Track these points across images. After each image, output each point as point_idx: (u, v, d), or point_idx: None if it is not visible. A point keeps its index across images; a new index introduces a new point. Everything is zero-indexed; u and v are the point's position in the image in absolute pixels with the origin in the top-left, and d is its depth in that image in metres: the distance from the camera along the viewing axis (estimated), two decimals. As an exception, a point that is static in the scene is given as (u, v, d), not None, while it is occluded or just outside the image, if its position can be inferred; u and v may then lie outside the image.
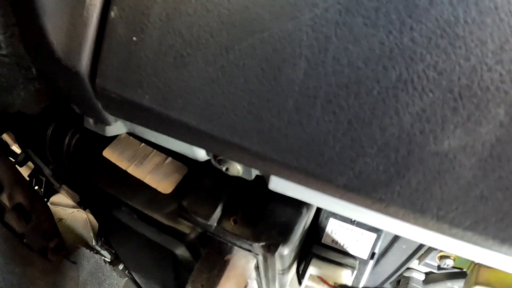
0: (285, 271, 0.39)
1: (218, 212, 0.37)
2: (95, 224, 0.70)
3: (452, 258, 0.45)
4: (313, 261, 0.39)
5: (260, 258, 0.36)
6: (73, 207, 0.72)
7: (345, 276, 0.38)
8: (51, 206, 0.66)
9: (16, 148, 0.67)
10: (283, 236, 0.34)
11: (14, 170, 0.56)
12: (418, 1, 0.23)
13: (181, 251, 0.44)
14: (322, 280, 0.38)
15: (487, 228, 0.23)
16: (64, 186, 0.66)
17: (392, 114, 0.23)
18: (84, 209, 0.70)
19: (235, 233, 0.35)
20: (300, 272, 0.42)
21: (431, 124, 0.23)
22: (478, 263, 0.42)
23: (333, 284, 0.37)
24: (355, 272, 0.39)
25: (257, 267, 0.38)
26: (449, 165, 0.23)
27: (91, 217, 0.71)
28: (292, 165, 0.24)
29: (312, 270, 0.39)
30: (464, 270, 0.47)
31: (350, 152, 0.24)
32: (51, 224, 0.60)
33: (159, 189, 0.42)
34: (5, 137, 0.67)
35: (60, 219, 0.72)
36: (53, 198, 0.73)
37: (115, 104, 0.32)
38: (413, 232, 0.29)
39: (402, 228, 0.28)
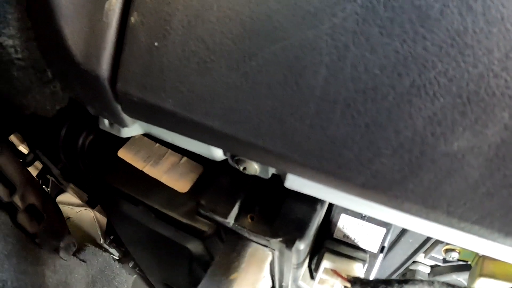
0: (299, 265, 0.41)
1: (235, 209, 0.39)
2: (102, 223, 0.72)
3: (457, 251, 0.48)
4: (326, 255, 0.41)
5: (277, 253, 0.39)
6: (80, 206, 0.74)
7: (357, 269, 0.40)
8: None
9: (22, 149, 0.69)
10: (300, 232, 0.36)
11: (25, 171, 0.57)
12: (430, 12, 0.25)
13: (195, 247, 0.46)
14: (335, 273, 0.41)
15: (493, 222, 0.25)
16: (71, 185, 0.67)
17: (406, 118, 0.25)
18: (92, 208, 0.72)
19: (253, 230, 0.37)
20: (313, 266, 0.45)
21: (442, 127, 0.25)
22: (482, 256, 0.44)
23: (346, 277, 0.40)
24: (366, 265, 0.42)
25: (271, 262, 0.40)
26: (458, 164, 0.25)
27: (98, 215, 0.73)
28: (314, 166, 0.26)
29: (325, 263, 0.41)
30: (469, 262, 0.50)
31: (368, 153, 0.26)
32: (61, 223, 0.61)
33: (176, 188, 0.44)
34: (12, 137, 0.68)
35: (68, 218, 0.74)
36: (60, 197, 0.75)
37: (137, 107, 0.34)
38: (423, 226, 0.31)
39: (412, 222, 0.30)
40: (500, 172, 0.25)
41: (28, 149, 0.65)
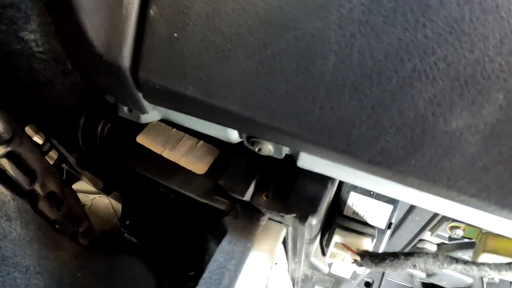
0: (312, 240, 0.46)
1: (251, 188, 0.43)
2: (118, 209, 0.77)
3: (462, 228, 0.52)
4: (337, 230, 0.46)
5: (290, 228, 0.43)
6: (95, 193, 0.79)
7: (366, 243, 0.45)
8: (74, 193, 0.72)
9: (37, 139, 0.73)
10: (312, 208, 0.41)
11: (44, 159, 0.61)
12: (430, 2, 0.28)
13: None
14: (346, 246, 0.45)
15: (489, 195, 0.29)
16: (86, 173, 0.72)
17: (409, 99, 0.29)
18: (107, 195, 0.77)
19: (268, 207, 0.42)
20: (324, 242, 0.49)
21: (441, 107, 0.28)
22: (485, 233, 0.48)
23: (355, 250, 0.44)
24: (375, 240, 0.46)
25: (285, 239, 0.45)
26: (457, 141, 0.28)
27: (113, 202, 0.78)
28: (325, 144, 0.30)
29: (336, 238, 0.46)
30: (473, 240, 0.54)
31: (374, 132, 0.30)
32: (80, 210, 0.66)
33: (193, 170, 0.48)
34: (26, 128, 0.72)
35: (84, 205, 0.79)
36: (75, 186, 0.80)
37: (158, 94, 0.38)
38: (427, 201, 0.35)
39: (416, 197, 0.34)
40: (495, 148, 0.28)
41: (43, 139, 0.70)
